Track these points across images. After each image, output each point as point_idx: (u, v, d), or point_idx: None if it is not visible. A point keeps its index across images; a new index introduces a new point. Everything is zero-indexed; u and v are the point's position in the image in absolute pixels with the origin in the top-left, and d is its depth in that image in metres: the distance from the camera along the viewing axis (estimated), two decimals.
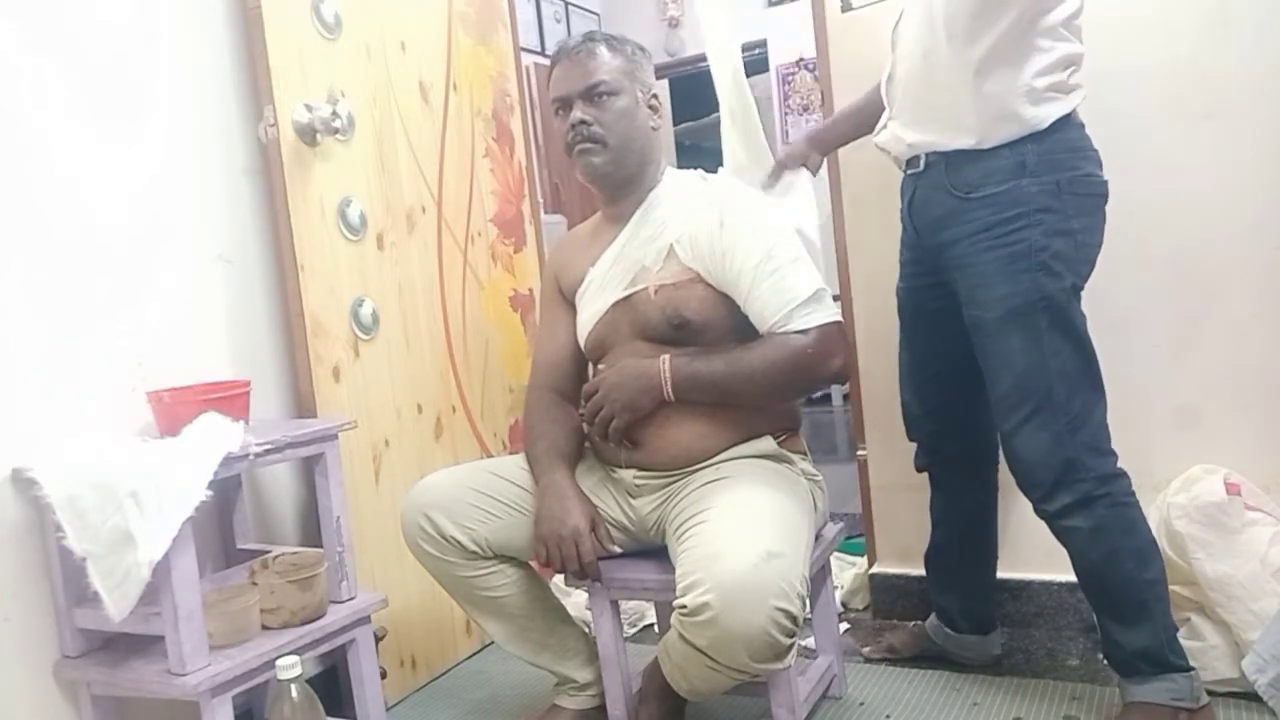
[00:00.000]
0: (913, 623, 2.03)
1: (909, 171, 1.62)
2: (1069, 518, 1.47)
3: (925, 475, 1.80)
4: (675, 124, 5.04)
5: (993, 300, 1.48)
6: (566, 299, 1.74)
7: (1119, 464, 1.49)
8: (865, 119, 1.74)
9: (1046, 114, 1.44)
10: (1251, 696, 1.54)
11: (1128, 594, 1.47)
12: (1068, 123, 1.47)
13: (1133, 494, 1.48)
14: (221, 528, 1.75)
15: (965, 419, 1.72)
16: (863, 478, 2.15)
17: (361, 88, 1.97)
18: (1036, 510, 1.52)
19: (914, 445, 1.80)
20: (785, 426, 1.61)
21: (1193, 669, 1.48)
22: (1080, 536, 1.48)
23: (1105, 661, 1.62)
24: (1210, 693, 1.50)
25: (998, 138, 1.46)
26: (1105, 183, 1.50)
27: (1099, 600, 1.52)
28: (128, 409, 1.58)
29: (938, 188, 1.54)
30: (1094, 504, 1.45)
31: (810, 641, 1.81)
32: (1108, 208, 1.51)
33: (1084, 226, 1.47)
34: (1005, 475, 1.72)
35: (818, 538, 1.60)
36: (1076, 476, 1.45)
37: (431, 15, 2.22)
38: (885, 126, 1.63)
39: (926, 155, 1.55)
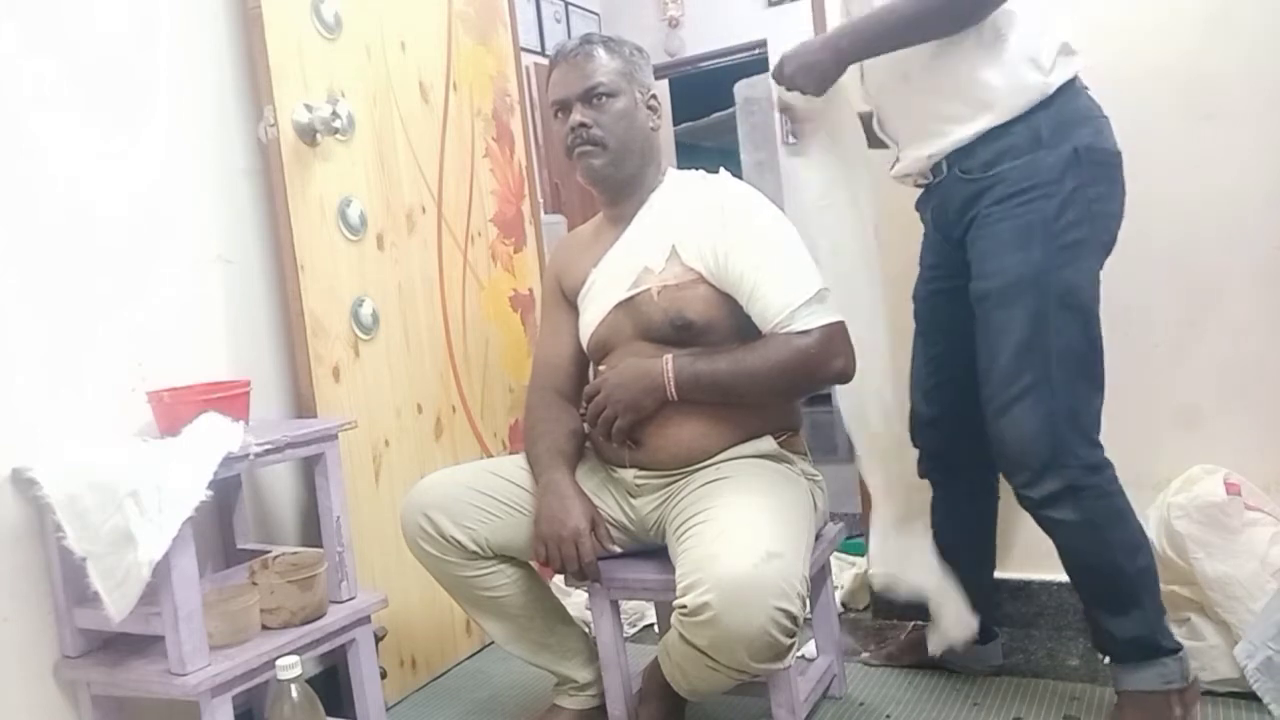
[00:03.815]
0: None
1: (933, 180, 1.59)
2: (1055, 508, 1.44)
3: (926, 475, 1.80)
4: (675, 124, 5.02)
5: (1000, 270, 1.45)
6: (568, 300, 1.74)
7: (1106, 456, 1.46)
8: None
9: (1054, 78, 1.42)
10: (1251, 696, 1.54)
11: (1118, 585, 1.46)
12: (1074, 89, 1.46)
13: (1118, 483, 1.46)
14: (221, 528, 1.75)
15: (973, 426, 1.70)
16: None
17: (361, 88, 1.97)
18: (1020, 497, 1.48)
19: (916, 448, 1.78)
20: (786, 426, 1.61)
21: (1180, 646, 1.47)
22: (1068, 529, 1.45)
23: (1098, 653, 1.61)
24: (1211, 693, 1.51)
25: (1012, 108, 1.43)
26: (1119, 153, 1.48)
27: (1089, 591, 1.51)
28: (128, 409, 1.58)
29: (958, 180, 1.52)
30: (1081, 494, 1.43)
31: (810, 647, 1.81)
32: None
33: (1100, 195, 1.44)
34: None
35: (818, 538, 1.60)
36: (1064, 462, 1.42)
37: (431, 15, 2.22)
38: (898, 160, 1.62)
39: (946, 157, 1.53)
